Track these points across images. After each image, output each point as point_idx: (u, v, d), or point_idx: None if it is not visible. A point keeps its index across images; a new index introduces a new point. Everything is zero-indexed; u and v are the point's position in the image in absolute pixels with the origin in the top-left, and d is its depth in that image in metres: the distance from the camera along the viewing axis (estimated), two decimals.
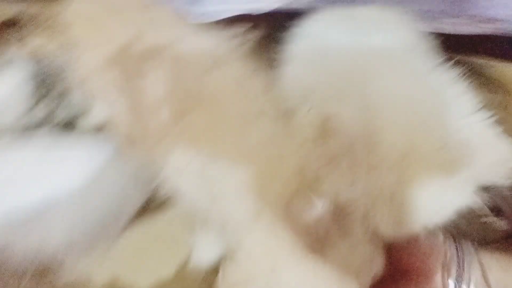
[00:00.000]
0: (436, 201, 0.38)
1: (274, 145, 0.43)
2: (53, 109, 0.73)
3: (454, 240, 0.44)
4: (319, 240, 0.38)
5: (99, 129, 0.69)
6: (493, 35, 0.53)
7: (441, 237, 0.44)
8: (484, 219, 0.46)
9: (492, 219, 0.49)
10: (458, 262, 0.42)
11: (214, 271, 0.43)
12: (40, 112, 0.71)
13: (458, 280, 0.41)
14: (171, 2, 0.76)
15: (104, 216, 0.67)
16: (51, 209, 0.63)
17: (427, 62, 0.46)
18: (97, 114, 0.62)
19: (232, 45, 0.62)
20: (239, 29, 0.89)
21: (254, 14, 0.78)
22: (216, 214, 0.45)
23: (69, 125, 0.74)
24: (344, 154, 0.36)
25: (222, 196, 0.42)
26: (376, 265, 0.42)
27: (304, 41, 0.47)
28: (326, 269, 0.38)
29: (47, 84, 0.72)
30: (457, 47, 0.51)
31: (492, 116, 0.44)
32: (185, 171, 0.47)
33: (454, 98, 0.43)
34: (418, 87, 0.41)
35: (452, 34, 0.54)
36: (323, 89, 0.40)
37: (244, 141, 0.44)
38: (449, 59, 0.47)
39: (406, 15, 0.52)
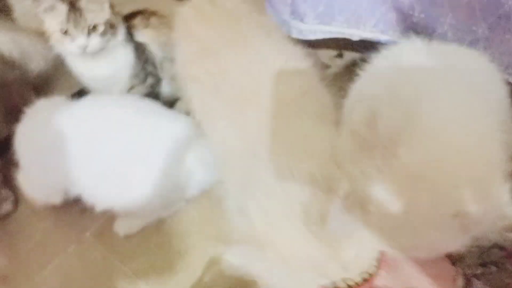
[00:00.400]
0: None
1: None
2: (153, 84, 0.88)
3: (463, 271, 0.44)
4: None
5: (185, 111, 0.81)
6: None
7: (449, 264, 0.45)
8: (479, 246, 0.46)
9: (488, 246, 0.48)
10: None
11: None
12: (142, 84, 0.85)
13: None
14: (276, 12, 0.83)
15: (176, 185, 0.77)
16: (136, 167, 0.75)
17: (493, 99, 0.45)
18: (185, 98, 0.73)
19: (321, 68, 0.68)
20: (331, 51, 0.95)
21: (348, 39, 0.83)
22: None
23: (162, 100, 0.88)
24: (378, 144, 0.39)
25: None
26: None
27: (380, 61, 0.51)
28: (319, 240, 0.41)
29: (151, 64, 0.87)
30: None
31: None
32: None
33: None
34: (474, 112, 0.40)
35: None
36: (379, 95, 0.44)
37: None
38: None
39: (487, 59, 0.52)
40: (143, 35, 0.86)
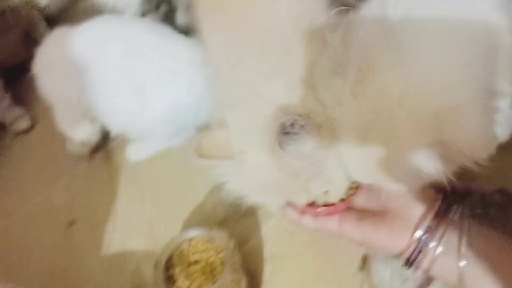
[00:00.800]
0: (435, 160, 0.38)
1: None
2: (167, 13, 0.87)
3: (445, 199, 0.43)
4: None
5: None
6: None
7: (432, 191, 0.44)
8: (481, 189, 0.45)
9: (490, 190, 0.47)
10: (437, 218, 0.42)
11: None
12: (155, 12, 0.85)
13: (428, 232, 0.42)
14: None
15: (187, 110, 0.78)
16: (149, 90, 0.75)
17: None
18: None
19: None
20: None
21: None
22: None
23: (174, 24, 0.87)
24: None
25: None
26: None
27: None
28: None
29: None
30: None
31: None
32: None
33: None
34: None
35: None
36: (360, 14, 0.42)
37: None
38: None
39: None
40: None
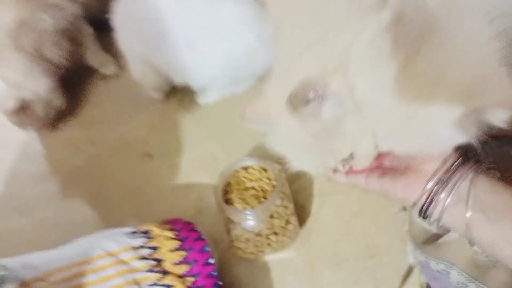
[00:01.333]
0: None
1: None
2: None
3: (461, 154, 0.47)
4: None
5: None
6: None
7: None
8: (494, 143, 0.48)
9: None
10: (448, 172, 0.46)
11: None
12: None
13: (438, 184, 0.46)
14: None
15: (242, 62, 0.85)
16: (207, 42, 0.83)
17: None
18: None
19: None
20: None
21: None
22: None
23: None
24: None
25: None
26: None
27: None
28: None
29: None
30: None
31: None
32: None
33: None
34: None
35: None
36: None
37: None
38: None
39: None
40: None
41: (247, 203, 0.68)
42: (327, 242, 0.73)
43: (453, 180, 0.46)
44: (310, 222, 0.75)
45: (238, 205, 0.68)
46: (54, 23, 0.92)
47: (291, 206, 0.69)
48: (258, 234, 0.67)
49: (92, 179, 0.90)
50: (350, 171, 0.53)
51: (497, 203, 0.45)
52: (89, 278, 0.59)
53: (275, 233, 0.68)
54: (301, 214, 0.75)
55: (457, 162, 0.47)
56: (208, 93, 0.94)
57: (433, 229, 0.58)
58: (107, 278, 0.59)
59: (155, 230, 0.66)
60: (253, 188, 0.70)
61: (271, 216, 0.67)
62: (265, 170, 0.71)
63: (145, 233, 0.65)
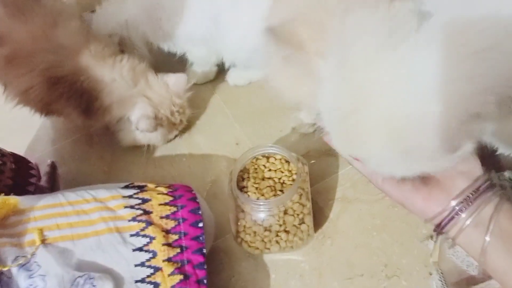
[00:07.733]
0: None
1: None
2: None
3: (489, 178, 0.46)
4: None
5: None
6: None
7: (478, 167, 0.46)
8: None
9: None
10: (476, 194, 0.45)
11: None
12: None
13: (463, 203, 0.45)
14: None
15: None
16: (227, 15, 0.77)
17: None
18: None
19: None
20: None
21: None
22: None
23: None
24: None
25: None
26: None
27: None
28: None
29: None
30: None
31: None
32: None
33: None
34: None
35: None
36: None
37: None
38: None
39: None
40: None
41: (262, 194, 0.63)
42: (341, 252, 0.66)
43: (478, 202, 0.45)
44: (326, 227, 0.69)
45: (251, 194, 0.63)
46: None
47: (308, 205, 0.63)
48: (268, 229, 0.61)
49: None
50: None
51: None
52: (70, 219, 0.56)
53: (286, 231, 0.62)
54: (318, 217, 0.69)
55: (486, 184, 0.45)
56: (240, 74, 0.90)
57: (472, 271, 0.58)
58: (89, 222, 0.56)
59: (150, 186, 0.63)
60: (271, 178, 0.65)
61: (285, 212, 0.61)
62: (287, 162, 0.66)
63: (140, 187, 0.62)
